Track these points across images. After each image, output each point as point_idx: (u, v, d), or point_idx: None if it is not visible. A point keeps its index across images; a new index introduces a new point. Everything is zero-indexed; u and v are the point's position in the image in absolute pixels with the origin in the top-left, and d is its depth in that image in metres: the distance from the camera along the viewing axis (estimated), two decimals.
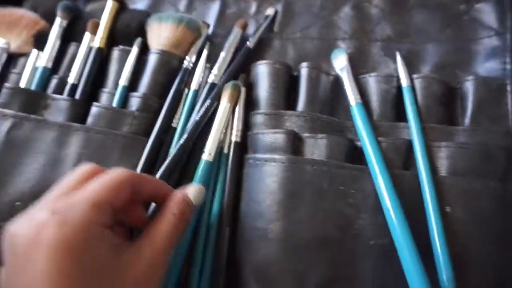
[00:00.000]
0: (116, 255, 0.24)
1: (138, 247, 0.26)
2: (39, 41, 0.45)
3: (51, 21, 0.46)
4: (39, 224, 0.22)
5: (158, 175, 0.36)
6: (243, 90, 0.40)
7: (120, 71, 0.43)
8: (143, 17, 0.45)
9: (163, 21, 0.43)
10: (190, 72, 0.43)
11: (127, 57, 0.43)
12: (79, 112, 0.41)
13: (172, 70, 0.43)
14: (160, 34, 0.43)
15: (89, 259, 0.22)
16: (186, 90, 0.41)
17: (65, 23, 0.46)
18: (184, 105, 0.41)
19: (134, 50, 0.43)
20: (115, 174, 0.27)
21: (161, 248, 0.26)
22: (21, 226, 0.23)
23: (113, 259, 0.24)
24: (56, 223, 0.22)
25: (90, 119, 0.40)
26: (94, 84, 0.43)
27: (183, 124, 0.40)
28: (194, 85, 0.41)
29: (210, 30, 0.48)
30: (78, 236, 0.22)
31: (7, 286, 0.23)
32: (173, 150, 0.37)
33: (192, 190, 0.31)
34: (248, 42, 0.44)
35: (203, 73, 0.42)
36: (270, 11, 0.48)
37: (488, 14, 0.42)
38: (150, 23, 0.44)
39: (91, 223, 0.23)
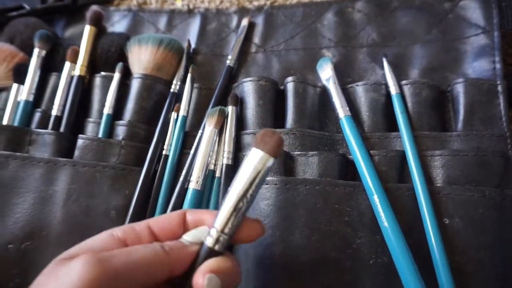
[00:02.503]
0: None
1: None
2: (19, 74, 0.44)
3: (29, 52, 0.45)
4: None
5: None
6: (233, 110, 0.39)
7: (104, 99, 0.42)
8: (123, 40, 0.44)
9: (143, 44, 0.42)
10: (178, 96, 0.42)
11: (110, 83, 0.42)
12: (65, 146, 0.40)
13: (157, 94, 0.42)
14: (141, 57, 0.42)
15: None
16: (175, 114, 0.40)
17: (43, 53, 0.45)
18: (174, 131, 0.40)
19: (116, 76, 0.42)
20: (144, 248, 0.23)
21: None
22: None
23: None
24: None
25: (77, 152, 0.39)
26: (79, 114, 0.42)
27: (174, 151, 0.39)
28: (182, 111, 0.40)
29: (192, 48, 0.46)
30: None
31: None
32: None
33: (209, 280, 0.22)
34: (228, 61, 0.43)
35: (190, 97, 0.41)
36: (244, 22, 0.47)
37: (473, 11, 0.41)
38: (129, 47, 0.43)
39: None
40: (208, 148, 0.37)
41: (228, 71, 0.43)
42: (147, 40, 0.42)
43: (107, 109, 0.41)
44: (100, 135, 0.40)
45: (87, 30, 0.45)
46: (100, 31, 0.46)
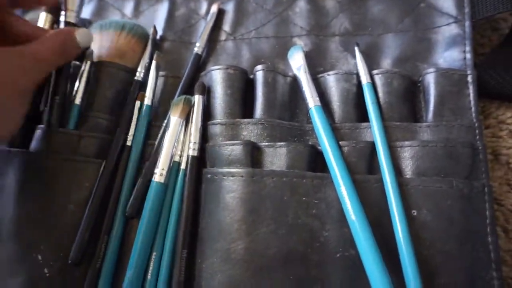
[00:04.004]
0: None
1: (12, 49, 0.28)
2: None
3: None
4: None
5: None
6: (200, 98, 0.37)
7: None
8: (84, 26, 0.42)
9: (104, 30, 0.40)
10: (142, 84, 0.40)
11: (70, 71, 0.40)
12: (21, 136, 0.38)
13: (120, 82, 0.40)
14: (102, 43, 0.40)
15: None
16: (139, 103, 0.38)
17: None
18: (138, 121, 0.38)
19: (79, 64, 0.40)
20: None
21: (30, 64, 0.28)
22: None
23: None
24: None
25: (33, 143, 0.37)
26: (37, 104, 0.40)
27: (138, 142, 0.37)
28: (147, 100, 0.39)
29: (158, 35, 0.44)
30: None
31: None
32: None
33: (80, 33, 0.34)
34: (196, 48, 0.42)
35: (155, 85, 0.39)
36: (214, 8, 0.45)
37: (445, 0, 0.41)
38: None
39: None
40: (173, 139, 0.35)
41: (196, 58, 0.41)
42: (109, 25, 0.40)
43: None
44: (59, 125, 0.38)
45: (43, 18, 0.42)
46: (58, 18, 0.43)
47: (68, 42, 0.32)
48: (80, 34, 0.33)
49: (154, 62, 0.39)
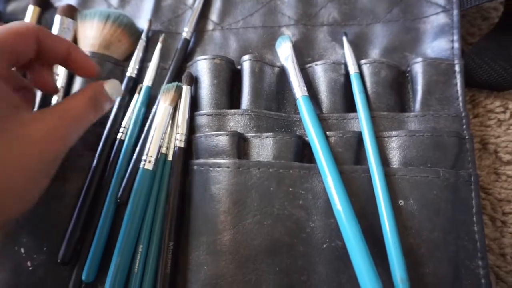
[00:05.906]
0: (8, 109, 0.23)
1: (42, 112, 0.25)
2: None
3: None
4: None
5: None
6: (188, 89, 0.37)
7: None
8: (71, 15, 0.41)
9: (89, 19, 0.39)
10: (136, 80, 0.39)
11: None
12: None
13: (106, 74, 0.39)
14: (87, 34, 0.39)
15: None
16: (139, 89, 0.38)
17: None
18: (134, 107, 0.37)
19: None
20: (19, 22, 0.26)
21: (65, 122, 0.26)
22: None
23: (4, 112, 0.23)
24: None
25: None
26: None
27: (130, 136, 0.36)
28: (147, 81, 0.38)
29: (145, 26, 0.44)
30: None
31: None
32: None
33: (109, 83, 0.31)
34: (184, 33, 0.41)
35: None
36: None
37: None
38: (75, 22, 0.40)
39: None
40: (162, 126, 0.35)
41: (184, 43, 0.40)
42: (93, 15, 0.39)
43: None
44: None
45: (30, 11, 0.41)
46: (46, 6, 0.43)
47: (98, 95, 0.29)
48: (109, 86, 0.31)
49: (159, 44, 0.40)
